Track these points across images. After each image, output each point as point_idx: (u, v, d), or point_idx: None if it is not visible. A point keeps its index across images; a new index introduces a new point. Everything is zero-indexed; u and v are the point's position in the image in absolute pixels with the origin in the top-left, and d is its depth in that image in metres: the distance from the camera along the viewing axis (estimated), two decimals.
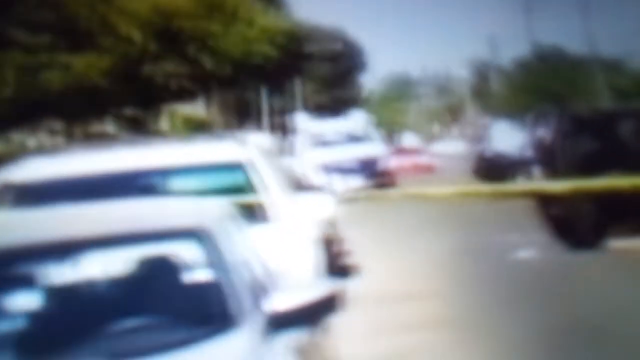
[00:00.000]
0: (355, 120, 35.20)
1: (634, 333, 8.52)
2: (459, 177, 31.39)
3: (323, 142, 32.75)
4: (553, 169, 15.28)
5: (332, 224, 11.20)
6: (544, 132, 16.14)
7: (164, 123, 39.88)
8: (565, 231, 14.87)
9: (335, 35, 62.13)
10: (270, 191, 7.37)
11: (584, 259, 13.42)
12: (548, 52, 63.50)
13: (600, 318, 9.14)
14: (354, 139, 33.08)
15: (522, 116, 32.29)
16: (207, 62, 33.47)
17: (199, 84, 35.44)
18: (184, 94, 36.42)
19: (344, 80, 65.35)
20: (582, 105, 39.11)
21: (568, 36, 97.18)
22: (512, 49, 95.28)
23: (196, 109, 42.26)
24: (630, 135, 15.34)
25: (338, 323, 5.40)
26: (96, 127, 36.10)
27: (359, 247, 13.82)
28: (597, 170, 13.94)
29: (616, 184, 13.42)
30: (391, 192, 25.60)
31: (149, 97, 34.45)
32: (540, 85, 56.81)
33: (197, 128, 36.66)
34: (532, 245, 14.66)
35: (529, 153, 17.78)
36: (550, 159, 15.62)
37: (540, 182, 15.73)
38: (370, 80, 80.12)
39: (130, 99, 34.13)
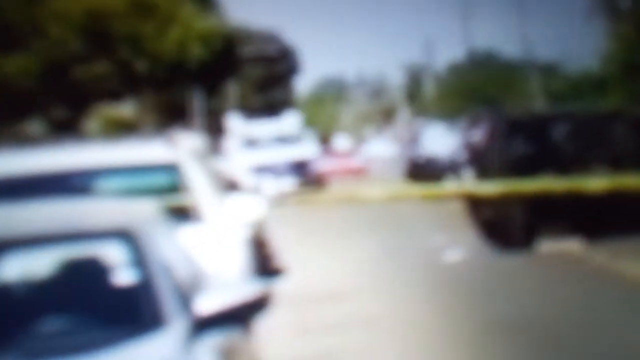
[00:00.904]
0: (288, 121, 35.33)
1: (558, 333, 8.72)
2: (390, 180, 31.72)
3: (255, 143, 32.83)
4: (486, 172, 15.48)
5: (261, 225, 11.34)
6: (478, 135, 16.36)
7: (93, 124, 39.53)
8: (496, 233, 15.11)
9: (269, 38, 62.29)
10: (200, 192, 7.37)
11: (513, 261, 13.65)
12: (483, 55, 64.38)
13: (525, 319, 9.33)
14: (286, 140, 33.22)
15: (456, 119, 32.72)
16: (140, 64, 33.28)
17: (130, 86, 35.22)
18: (114, 96, 36.16)
19: (278, 83, 65.44)
20: (516, 108, 39.64)
21: (504, 40, 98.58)
22: (448, 52, 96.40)
23: (127, 110, 41.98)
24: (564, 139, 15.63)
25: (265, 323, 5.47)
26: (24, 128, 35.65)
27: (288, 249, 13.92)
28: (530, 173, 14.18)
29: (548, 186, 13.69)
30: (322, 194, 25.78)
31: (78, 98, 34.12)
32: (474, 88, 57.45)
33: (127, 129, 36.40)
34: (461, 247, 14.90)
35: (461, 155, 17.99)
36: (483, 162, 15.83)
37: (472, 184, 15.94)
38: (305, 83, 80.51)
39: (59, 101, 33.77)
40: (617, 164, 15.39)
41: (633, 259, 12.72)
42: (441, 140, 30.43)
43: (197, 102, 43.93)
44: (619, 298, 10.40)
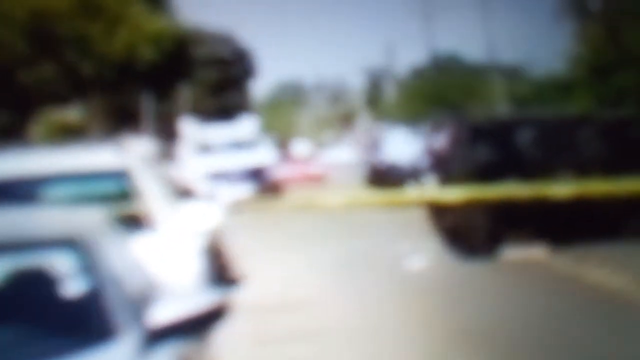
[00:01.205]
0: (244, 126, 35.28)
1: (520, 342, 8.83)
2: (350, 186, 31.82)
3: (209, 149, 32.75)
4: (449, 178, 15.60)
5: (217, 233, 11.35)
6: (441, 141, 16.48)
7: (39, 129, 39.22)
8: (459, 240, 15.25)
9: (224, 40, 62.20)
10: (152, 200, 7.36)
11: (476, 268, 13.80)
12: (446, 59, 64.83)
13: (486, 327, 9.42)
14: (241, 146, 33.17)
15: (417, 124, 32.87)
16: (87, 67, 33.08)
17: (77, 89, 34.99)
18: (61, 100, 35.90)
19: (233, 86, 65.36)
20: (480, 113, 39.93)
21: (468, 43, 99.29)
22: (410, 56, 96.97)
23: (74, 114, 41.71)
24: (528, 144, 15.78)
25: (223, 334, 5.48)
26: None
27: (245, 257, 13.96)
28: (493, 179, 14.31)
29: (512, 192, 13.82)
30: (280, 202, 25.82)
31: (23, 102, 33.84)
32: (436, 92, 57.81)
33: (74, 134, 36.16)
34: (424, 254, 15.02)
35: (424, 161, 18.10)
36: (446, 168, 15.96)
37: (435, 191, 16.05)
38: (261, 86, 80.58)
39: (3, 105, 33.47)
40: (584, 169, 15.56)
41: (598, 266, 12.93)
42: (403, 146, 30.57)
43: (147, 105, 43.75)
44: (583, 305, 10.55)
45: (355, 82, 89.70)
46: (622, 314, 9.89)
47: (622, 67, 32.00)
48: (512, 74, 56.16)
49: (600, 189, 13.91)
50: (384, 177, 30.01)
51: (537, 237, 15.10)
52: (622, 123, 16.97)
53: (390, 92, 74.53)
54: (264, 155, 33.47)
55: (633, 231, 15.44)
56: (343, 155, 62.02)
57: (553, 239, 14.99)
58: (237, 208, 19.79)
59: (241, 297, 11.64)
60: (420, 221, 17.68)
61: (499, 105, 47.44)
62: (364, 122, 74.20)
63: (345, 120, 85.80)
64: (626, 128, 16.62)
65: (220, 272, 11.31)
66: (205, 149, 32.70)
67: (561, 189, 13.83)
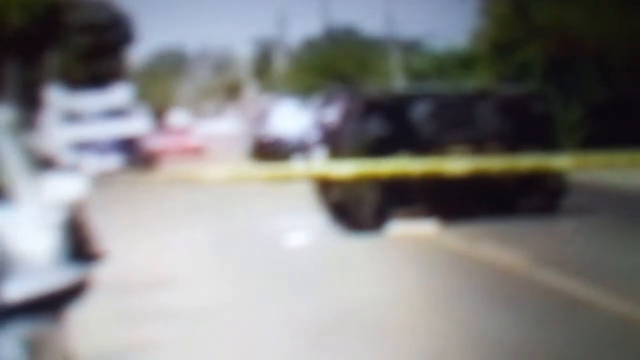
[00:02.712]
0: (117, 94, 34.95)
1: (402, 319, 9.00)
2: (232, 159, 31.84)
3: (77, 118, 32.37)
4: (339, 152, 15.76)
5: (80, 206, 11.23)
6: (332, 114, 16.61)
7: None
8: (346, 215, 15.47)
9: (100, 5, 61.62)
10: (10, 170, 7.24)
11: (361, 245, 14.00)
12: (341, 31, 65.26)
13: (365, 305, 9.56)
14: (113, 115, 32.90)
15: (308, 96, 33.05)
16: None
17: None
18: None
19: (108, 53, 64.62)
20: (375, 87, 40.30)
21: (366, 16, 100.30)
22: (303, 27, 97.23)
23: None
24: (423, 119, 16.04)
25: (82, 312, 5.45)
26: None
27: (112, 232, 13.88)
28: (386, 154, 14.51)
29: (403, 168, 14.01)
30: (154, 174, 25.70)
31: None
32: (330, 65, 58.19)
33: None
34: (307, 230, 15.17)
35: (313, 135, 18.24)
36: (337, 142, 16.12)
37: (323, 165, 16.18)
38: (140, 53, 79.70)
39: None
40: (481, 145, 15.91)
41: (490, 243, 13.23)
42: (291, 119, 30.77)
43: (12, 72, 42.93)
44: (471, 281, 10.80)
45: (244, 52, 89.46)
46: (513, 290, 10.14)
47: (526, 42, 32.66)
48: (410, 48, 56.83)
49: (495, 166, 14.22)
50: (270, 150, 30.20)
51: (428, 213, 15.40)
52: (521, 98, 17.33)
53: (281, 64, 74.67)
54: (137, 125, 33.23)
55: (527, 208, 15.96)
56: (226, 127, 61.96)
57: (445, 215, 15.30)
58: (104, 180, 19.62)
59: (103, 274, 11.56)
60: (307, 196, 17.81)
61: (395, 80, 47.99)
62: (251, 93, 74.20)
63: (230, 91, 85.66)
64: (526, 103, 17.00)
65: (81, 247, 11.23)
66: (72, 117, 32.28)
67: (455, 165, 14.06)
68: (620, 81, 30.50)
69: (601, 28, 30.41)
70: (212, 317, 9.23)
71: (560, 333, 8.09)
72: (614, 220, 15.47)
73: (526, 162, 14.13)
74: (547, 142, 16.09)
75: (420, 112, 16.11)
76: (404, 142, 15.44)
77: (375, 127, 15.79)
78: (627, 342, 7.74)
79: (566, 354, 7.47)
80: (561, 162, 14.24)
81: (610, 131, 28.40)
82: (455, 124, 16.29)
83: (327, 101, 17.69)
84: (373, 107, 15.95)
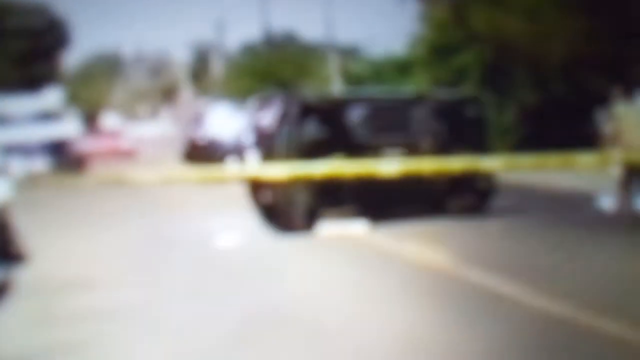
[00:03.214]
0: (47, 98, 35.01)
1: (329, 316, 9.12)
2: (166, 161, 31.83)
3: (4, 120, 32.44)
4: (274, 155, 15.89)
5: (3, 208, 11.27)
6: (268, 117, 16.73)
7: None
8: (277, 216, 15.67)
9: (38, 11, 61.54)
10: None
11: (292, 245, 14.15)
12: (281, 37, 65.59)
13: (297, 302, 9.68)
14: (43, 118, 33.02)
15: (246, 100, 33.14)
16: None
17: None
18: None
19: (43, 57, 64.41)
20: (311, 91, 40.53)
21: (306, 22, 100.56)
22: (242, 33, 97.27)
23: None
24: (359, 123, 16.29)
25: (2, 311, 5.43)
26: None
27: (37, 234, 13.86)
28: (320, 156, 14.71)
29: (335, 170, 14.17)
30: (82, 177, 25.63)
31: None
32: (268, 70, 58.40)
33: None
34: (238, 232, 15.28)
35: (248, 138, 18.34)
36: (272, 145, 16.25)
37: (257, 168, 16.29)
38: (75, 57, 79.44)
39: None
40: (415, 148, 16.20)
41: (417, 242, 13.50)
42: (225, 121, 30.92)
43: None
44: (399, 280, 10.96)
45: (180, 56, 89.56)
46: (439, 287, 10.29)
47: (463, 47, 33.06)
48: (349, 53, 57.32)
49: (426, 167, 14.44)
50: (203, 152, 30.33)
51: (360, 214, 15.76)
52: (456, 103, 17.63)
53: (218, 68, 74.74)
54: (66, 128, 33.38)
55: (457, 208, 16.41)
56: (160, 130, 61.90)
57: (376, 216, 15.66)
58: (30, 183, 19.54)
59: (26, 276, 11.60)
60: (239, 198, 17.95)
61: (334, 84, 48.28)
62: (186, 97, 74.12)
63: (165, 94, 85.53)
64: (460, 107, 17.33)
65: (4, 248, 11.24)
66: (1, 121, 32.35)
67: (387, 166, 14.23)
68: (553, 85, 31.02)
69: (536, 34, 30.88)
70: (138, 317, 9.24)
71: (483, 328, 8.28)
72: (541, 220, 15.82)
73: (457, 163, 14.36)
74: (480, 145, 16.45)
75: (356, 115, 16.35)
76: (339, 145, 15.69)
77: (311, 130, 16.00)
78: (547, 336, 7.95)
79: (488, 348, 7.65)
80: (491, 163, 14.49)
81: (542, 133, 28.95)
82: (390, 128, 16.58)
83: (262, 104, 17.80)
84: (309, 111, 16.14)
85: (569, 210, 17.22)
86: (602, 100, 16.86)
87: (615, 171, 15.92)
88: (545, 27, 30.52)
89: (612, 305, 8.83)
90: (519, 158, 15.09)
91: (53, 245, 13.85)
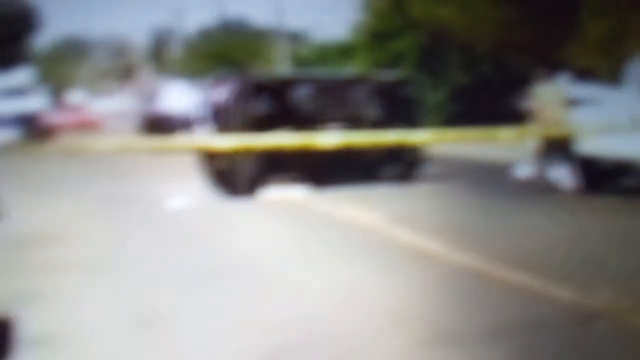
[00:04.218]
0: (17, 76, 35.00)
1: (264, 268, 9.30)
2: (125, 134, 31.79)
3: None
4: (227, 128, 16.07)
5: None
6: (222, 94, 16.89)
7: None
8: (225, 182, 15.89)
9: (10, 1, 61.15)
10: None
11: (236, 207, 14.35)
12: (234, 22, 65.65)
13: (243, 258, 9.83)
14: (12, 93, 33.04)
15: (201, 79, 33.23)
16: None
17: None
18: None
19: (14, 40, 63.92)
20: (263, 72, 40.65)
21: (258, 9, 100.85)
22: (199, 19, 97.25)
23: None
24: (304, 100, 16.54)
25: None
26: None
27: (5, 195, 13.85)
28: (270, 130, 14.94)
29: (280, 141, 14.32)
30: (49, 145, 25.58)
31: None
32: (222, 52, 58.43)
33: None
34: (188, 196, 15.43)
35: (202, 112, 18.50)
36: (225, 119, 16.45)
37: (209, 138, 16.43)
38: (45, 40, 79.13)
39: None
40: (355, 124, 16.45)
41: (352, 205, 13.78)
42: (180, 97, 31.04)
43: None
44: (334, 237, 11.13)
45: (141, 39, 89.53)
46: (369, 244, 10.45)
47: (401, 33, 33.31)
48: (297, 38, 57.49)
49: (361, 140, 14.65)
50: (159, 125, 30.45)
51: (301, 181, 16.04)
52: (392, 83, 17.93)
53: (176, 50, 74.55)
54: (35, 103, 33.43)
55: (388, 176, 16.79)
56: (120, 105, 61.83)
57: (316, 182, 15.98)
58: (2, 150, 19.51)
59: None
60: (191, 166, 18.11)
61: (282, 66, 48.43)
62: (145, 75, 73.91)
63: (126, 73, 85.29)
64: (396, 87, 17.64)
65: None
66: None
67: (326, 139, 14.41)
68: (481, 67, 31.44)
69: (468, 21, 31.22)
70: (98, 269, 9.33)
71: (406, 280, 8.48)
72: (465, 186, 16.14)
73: (389, 137, 14.58)
74: (411, 121, 16.74)
75: (302, 94, 16.56)
76: (287, 120, 15.90)
77: (262, 106, 16.20)
78: (461, 285, 8.17)
79: (409, 294, 7.85)
80: (421, 136, 14.72)
81: (471, 110, 29.36)
82: (332, 105, 16.81)
83: (218, 82, 17.95)
84: (260, 89, 16.35)
85: (490, 178, 17.57)
86: (525, 80, 17.15)
87: (532, 144, 16.25)
88: (475, 14, 30.86)
89: (522, 259, 9.09)
90: (446, 132, 15.35)
91: (19, 205, 13.84)
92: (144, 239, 11.38)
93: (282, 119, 15.92)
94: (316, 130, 15.36)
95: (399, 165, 16.94)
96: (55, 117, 37.40)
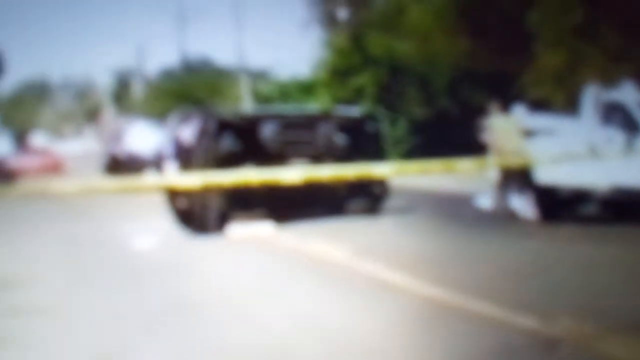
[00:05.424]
0: None
1: (230, 301, 9.29)
2: (89, 174, 31.64)
3: None
4: (192, 166, 16.06)
5: None
6: (187, 132, 16.90)
7: None
8: (192, 220, 15.84)
9: None
10: None
11: (203, 245, 14.28)
12: (196, 61, 65.76)
13: (208, 297, 9.79)
14: None
15: (164, 118, 33.21)
16: None
17: None
18: None
19: None
20: (226, 109, 40.68)
21: (220, 48, 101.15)
22: (161, 58, 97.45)
23: None
24: (267, 136, 16.57)
25: None
26: None
27: None
28: (235, 167, 14.96)
29: (245, 177, 14.35)
30: (11, 189, 25.42)
31: None
32: (184, 91, 58.44)
33: None
34: (154, 235, 15.37)
35: (166, 151, 18.48)
36: (190, 157, 16.43)
37: (174, 177, 16.41)
38: (7, 84, 78.78)
39: None
40: (318, 159, 16.53)
41: (318, 239, 13.77)
42: (144, 137, 30.95)
43: None
44: (301, 272, 11.16)
45: (103, 80, 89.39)
46: (336, 277, 10.47)
47: (361, 70, 33.57)
48: (259, 76, 57.68)
49: (325, 175, 14.71)
50: (123, 165, 30.36)
51: (267, 217, 16.06)
52: (357, 120, 18.10)
53: (139, 91, 74.45)
54: None
55: (354, 210, 16.91)
56: (83, 147, 61.70)
57: (282, 218, 15.99)
58: None
59: None
60: (157, 205, 18.03)
61: (244, 104, 48.52)
62: (108, 117, 73.75)
63: (89, 115, 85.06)
64: (360, 124, 17.81)
65: None
66: None
67: (292, 174, 14.47)
68: (439, 102, 31.73)
69: (425, 57, 31.56)
70: (56, 314, 9.17)
71: (372, 313, 8.50)
72: (427, 217, 16.24)
73: (352, 170, 14.67)
74: (376, 155, 16.88)
75: (267, 131, 16.60)
76: (252, 157, 15.93)
77: (227, 143, 16.21)
78: (424, 316, 8.21)
79: (375, 330, 7.88)
80: (382, 170, 14.82)
81: (430, 143, 29.60)
82: (296, 141, 16.88)
83: (182, 120, 17.96)
84: (225, 126, 16.36)
85: (452, 208, 17.69)
86: (482, 113, 17.34)
87: (492, 175, 16.40)
88: (433, 50, 31.19)
89: (484, 289, 9.16)
90: (407, 165, 15.45)
91: None
92: (109, 279, 11.31)
93: (247, 156, 15.95)
94: (282, 166, 15.42)
95: (365, 199, 17.05)
96: (18, 161, 37.27)
